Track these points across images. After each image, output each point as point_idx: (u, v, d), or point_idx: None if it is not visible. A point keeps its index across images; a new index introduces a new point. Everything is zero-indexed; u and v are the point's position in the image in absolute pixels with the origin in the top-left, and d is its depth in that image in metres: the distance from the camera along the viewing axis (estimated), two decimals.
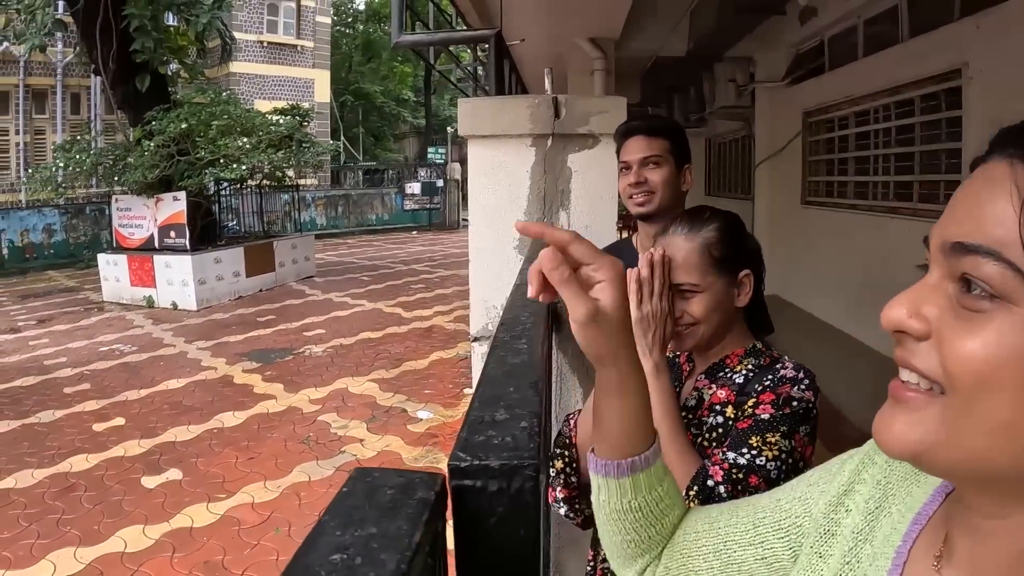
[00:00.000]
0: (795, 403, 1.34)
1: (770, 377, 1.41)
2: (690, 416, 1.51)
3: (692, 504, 1.21)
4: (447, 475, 0.39)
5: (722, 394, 1.46)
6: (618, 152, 2.36)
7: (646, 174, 2.27)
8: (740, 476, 1.25)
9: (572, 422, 1.60)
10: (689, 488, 1.27)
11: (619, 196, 2.49)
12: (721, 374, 1.50)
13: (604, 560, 1.71)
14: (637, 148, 2.29)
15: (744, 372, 1.47)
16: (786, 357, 1.49)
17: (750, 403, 1.38)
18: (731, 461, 1.27)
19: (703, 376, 1.54)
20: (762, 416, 1.33)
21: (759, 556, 0.86)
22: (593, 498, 0.96)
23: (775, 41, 8.42)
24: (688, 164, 2.34)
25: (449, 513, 0.42)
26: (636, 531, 0.94)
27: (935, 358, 0.56)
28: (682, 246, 1.52)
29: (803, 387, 1.37)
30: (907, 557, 0.67)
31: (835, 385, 6.04)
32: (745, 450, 1.29)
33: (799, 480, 0.89)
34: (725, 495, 1.23)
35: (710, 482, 1.26)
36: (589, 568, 1.77)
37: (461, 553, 0.42)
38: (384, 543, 0.31)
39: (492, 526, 0.39)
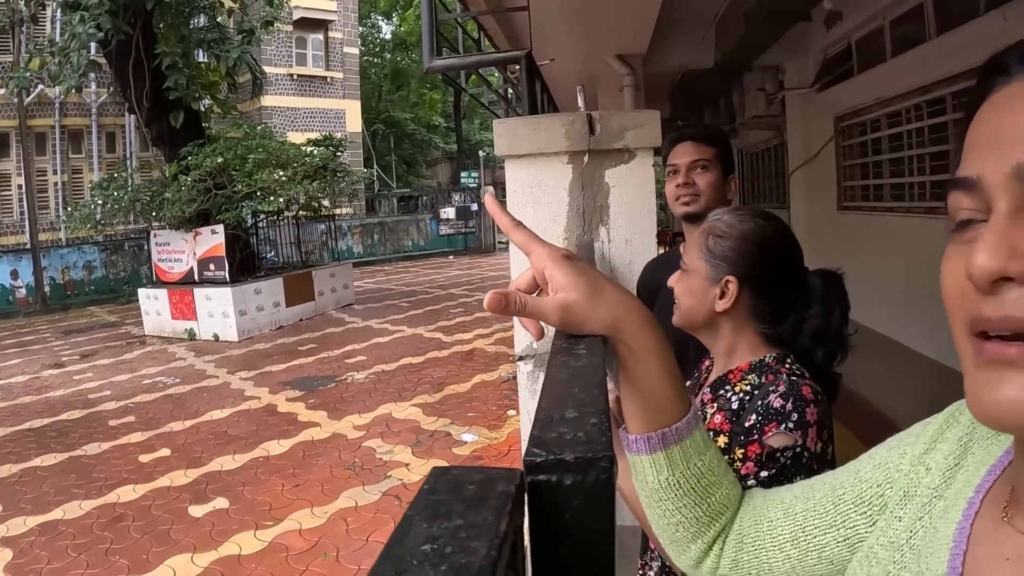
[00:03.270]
0: (779, 456, 1.24)
1: (760, 404, 1.31)
2: None
3: None
4: (523, 471, 0.39)
5: (718, 419, 1.39)
6: (665, 159, 2.43)
7: (694, 177, 2.34)
8: None
9: None
10: None
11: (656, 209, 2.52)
12: (722, 391, 1.44)
13: (652, 568, 1.71)
14: (686, 152, 2.36)
15: (741, 393, 1.40)
16: (785, 374, 1.37)
17: (738, 453, 1.28)
18: None
19: (708, 390, 1.49)
20: (744, 475, 1.23)
21: (841, 538, 0.80)
22: (634, 480, 0.91)
23: (803, 48, 8.37)
24: (733, 174, 2.41)
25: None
26: (681, 511, 0.89)
27: None
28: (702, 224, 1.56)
29: (790, 425, 1.26)
30: (979, 507, 0.63)
31: (885, 393, 5.94)
32: None
33: (878, 447, 0.83)
34: None
35: None
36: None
37: (537, 549, 0.42)
38: (472, 533, 0.32)
39: (567, 520, 0.40)
